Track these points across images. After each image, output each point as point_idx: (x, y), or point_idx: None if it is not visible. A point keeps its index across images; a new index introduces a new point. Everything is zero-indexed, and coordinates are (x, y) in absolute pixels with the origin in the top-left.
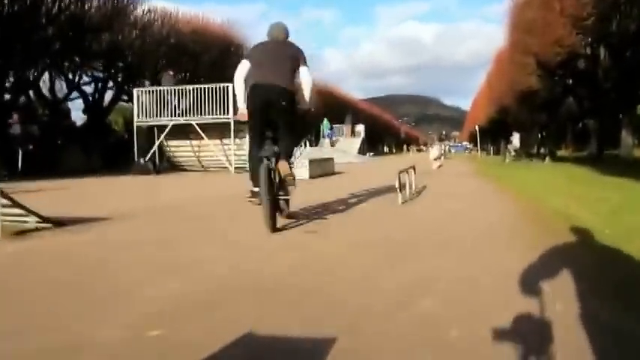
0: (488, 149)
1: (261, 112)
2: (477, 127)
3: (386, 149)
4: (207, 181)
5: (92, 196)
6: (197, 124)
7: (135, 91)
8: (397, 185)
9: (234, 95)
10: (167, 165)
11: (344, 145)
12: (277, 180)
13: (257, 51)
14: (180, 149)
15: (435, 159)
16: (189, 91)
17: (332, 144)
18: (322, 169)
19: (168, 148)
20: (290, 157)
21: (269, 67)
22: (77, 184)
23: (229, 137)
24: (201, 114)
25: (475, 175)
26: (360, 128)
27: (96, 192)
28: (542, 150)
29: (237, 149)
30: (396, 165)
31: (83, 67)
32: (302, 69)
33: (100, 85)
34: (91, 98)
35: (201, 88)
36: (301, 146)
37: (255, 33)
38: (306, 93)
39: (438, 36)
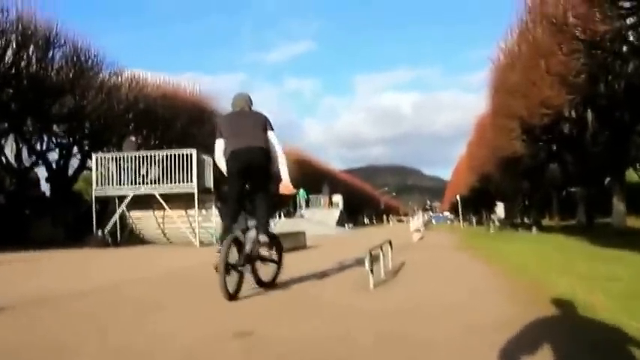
0: (471, 219)
1: (238, 176)
2: (457, 197)
3: (366, 220)
4: (165, 256)
5: (27, 272)
6: (160, 193)
7: (94, 156)
8: (367, 267)
9: (199, 163)
10: (128, 237)
11: (321, 217)
12: (248, 250)
13: (228, 123)
14: (143, 220)
15: (416, 230)
16: (151, 157)
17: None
18: (292, 242)
19: (130, 220)
20: (267, 230)
21: (244, 133)
22: (23, 259)
23: (200, 208)
24: (164, 182)
25: (460, 248)
26: (338, 199)
27: (34, 268)
28: (526, 219)
29: (202, 221)
30: (375, 237)
31: (45, 132)
32: (270, 133)
33: (64, 152)
34: (55, 166)
35: (164, 155)
36: (275, 218)
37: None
38: (279, 154)
39: (417, 106)
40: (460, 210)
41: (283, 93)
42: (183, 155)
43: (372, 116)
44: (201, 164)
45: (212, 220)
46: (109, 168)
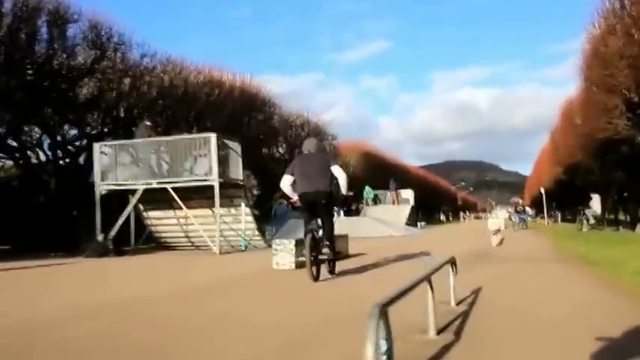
0: (555, 215)
1: (308, 208)
2: (542, 190)
3: (442, 217)
4: (167, 270)
5: None
6: (174, 187)
7: (95, 146)
8: (368, 353)
9: (221, 151)
10: (143, 242)
11: (386, 215)
12: (321, 245)
13: (298, 165)
14: (164, 222)
15: (495, 232)
16: (164, 144)
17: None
18: None
19: (149, 221)
20: (331, 240)
21: (311, 177)
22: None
23: (229, 206)
24: (180, 174)
25: (562, 260)
26: (409, 194)
27: None
28: (619, 216)
29: (232, 222)
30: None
31: (66, 124)
32: (334, 168)
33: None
34: (83, 161)
35: (178, 141)
36: (334, 216)
37: (313, 102)
38: (342, 183)
39: (495, 100)
40: (545, 205)
41: (359, 91)
42: (200, 141)
43: (448, 112)
44: (224, 152)
45: (242, 220)
46: (114, 158)
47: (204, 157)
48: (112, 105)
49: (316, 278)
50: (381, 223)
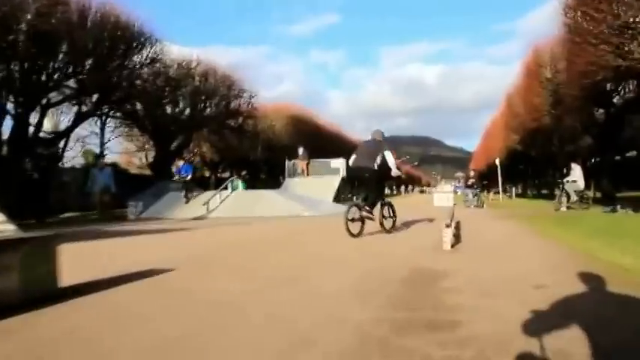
0: (510, 190)
1: (354, 179)
2: (497, 162)
3: (386, 191)
4: None
5: None
6: None
7: None
8: None
9: None
10: None
11: (302, 188)
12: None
13: (359, 146)
14: None
15: (448, 224)
16: None
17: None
18: None
19: None
20: (374, 205)
21: (360, 156)
22: None
23: None
24: None
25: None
26: (339, 164)
27: None
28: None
29: None
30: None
31: None
32: (385, 152)
33: None
34: None
35: None
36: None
37: (260, 73)
38: (391, 166)
39: (442, 77)
40: (500, 179)
41: (308, 65)
42: None
43: (396, 88)
44: None
45: None
46: None
47: None
48: None
49: (355, 235)
50: (292, 199)
